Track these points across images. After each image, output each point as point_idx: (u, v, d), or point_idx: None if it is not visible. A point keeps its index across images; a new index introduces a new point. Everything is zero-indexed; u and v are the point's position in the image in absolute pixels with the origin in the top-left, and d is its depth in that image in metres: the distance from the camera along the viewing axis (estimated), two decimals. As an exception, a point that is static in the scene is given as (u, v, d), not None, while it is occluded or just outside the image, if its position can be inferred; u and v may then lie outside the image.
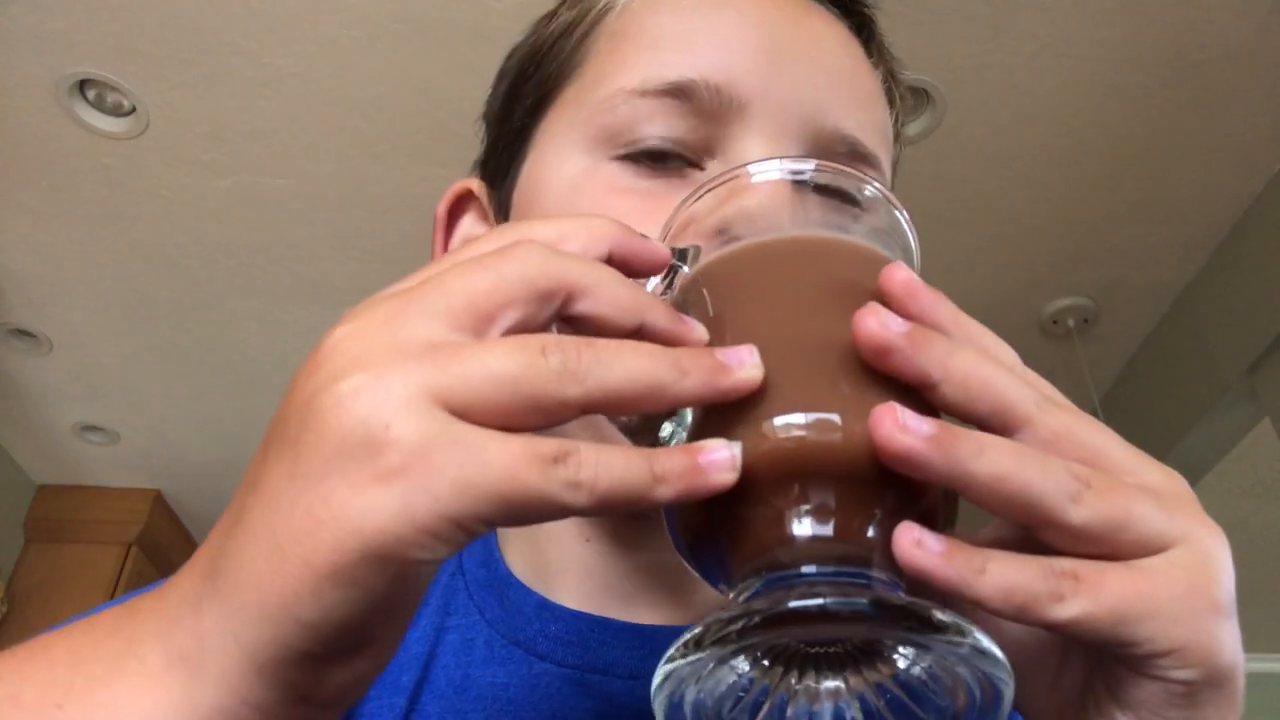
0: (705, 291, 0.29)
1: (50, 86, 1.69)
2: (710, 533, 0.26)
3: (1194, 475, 2.17)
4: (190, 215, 1.96)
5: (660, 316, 0.26)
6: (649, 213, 0.36)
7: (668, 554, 0.29)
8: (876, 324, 0.24)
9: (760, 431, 0.25)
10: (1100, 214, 1.93)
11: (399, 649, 0.27)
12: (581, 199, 0.38)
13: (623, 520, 0.40)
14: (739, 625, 0.22)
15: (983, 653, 0.22)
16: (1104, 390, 2.35)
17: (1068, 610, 0.22)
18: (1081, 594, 0.23)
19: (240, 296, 2.18)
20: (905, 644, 0.23)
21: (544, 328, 0.25)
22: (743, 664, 0.24)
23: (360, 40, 1.60)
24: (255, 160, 1.84)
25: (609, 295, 0.25)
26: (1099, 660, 0.26)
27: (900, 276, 0.27)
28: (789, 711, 0.25)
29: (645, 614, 0.40)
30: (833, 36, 0.41)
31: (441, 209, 0.46)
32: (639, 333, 0.26)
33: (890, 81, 0.45)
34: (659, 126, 0.38)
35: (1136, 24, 1.57)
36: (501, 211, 0.45)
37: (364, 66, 1.63)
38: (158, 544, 2.99)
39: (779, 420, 0.25)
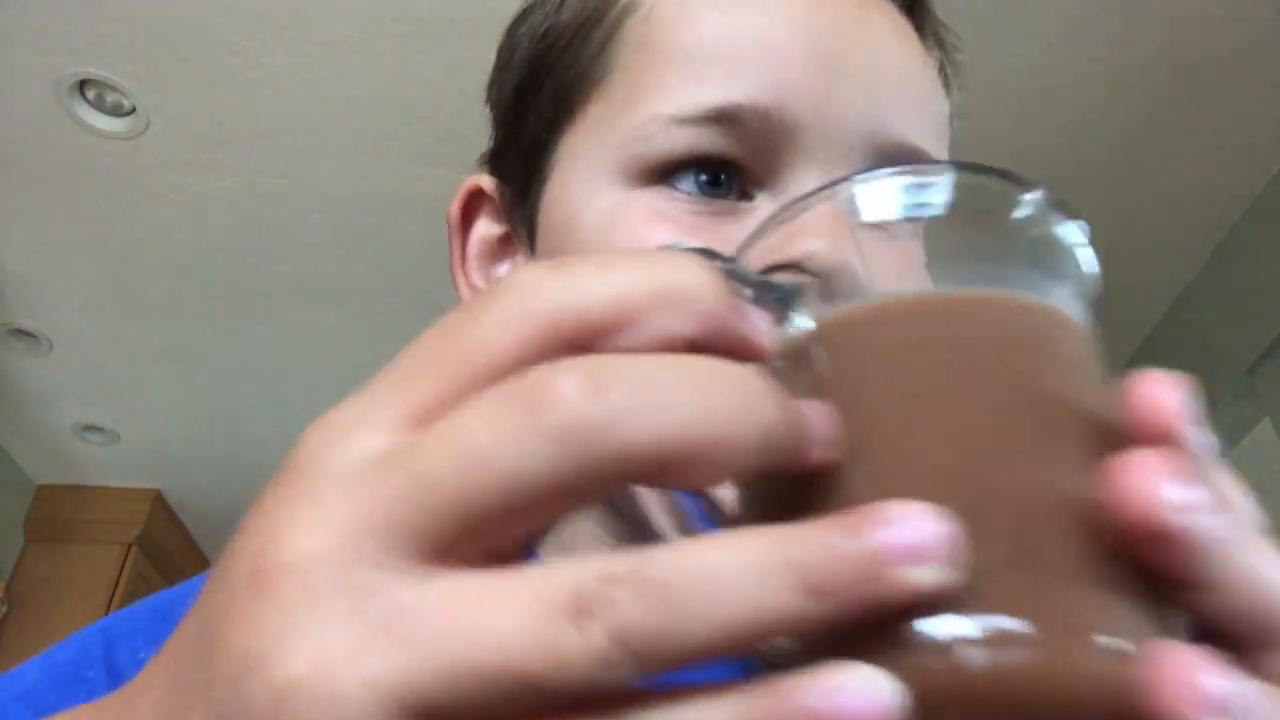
0: (825, 371, 0.19)
1: (50, 86, 1.69)
2: None
3: (1194, 475, 2.18)
4: (190, 215, 1.96)
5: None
6: (688, 234, 0.32)
7: None
8: (1150, 494, 0.16)
9: (931, 648, 0.15)
10: (1100, 214, 1.93)
11: None
12: (618, 234, 0.34)
13: None
14: None
15: None
16: (1104, 390, 2.35)
17: None
18: None
19: (240, 296, 2.18)
20: None
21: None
22: None
23: (360, 40, 1.60)
24: (255, 160, 1.84)
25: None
26: None
27: (1163, 402, 0.18)
28: None
29: None
30: (891, 30, 0.36)
31: (455, 210, 0.43)
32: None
33: (946, 64, 0.41)
34: (699, 150, 0.34)
35: (1136, 24, 1.57)
36: (525, 224, 0.41)
37: (364, 66, 1.63)
38: (158, 544, 2.99)
39: (970, 629, 0.15)
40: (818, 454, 0.17)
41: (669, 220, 0.33)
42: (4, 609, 2.65)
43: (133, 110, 1.74)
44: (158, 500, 2.95)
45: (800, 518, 0.15)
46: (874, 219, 0.21)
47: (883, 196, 0.21)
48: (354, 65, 1.64)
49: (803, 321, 0.20)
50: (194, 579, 0.40)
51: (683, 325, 0.17)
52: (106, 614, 2.29)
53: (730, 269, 0.19)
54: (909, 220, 0.21)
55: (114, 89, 1.69)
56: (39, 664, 0.36)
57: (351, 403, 0.19)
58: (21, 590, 2.73)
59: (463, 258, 0.42)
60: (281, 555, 0.16)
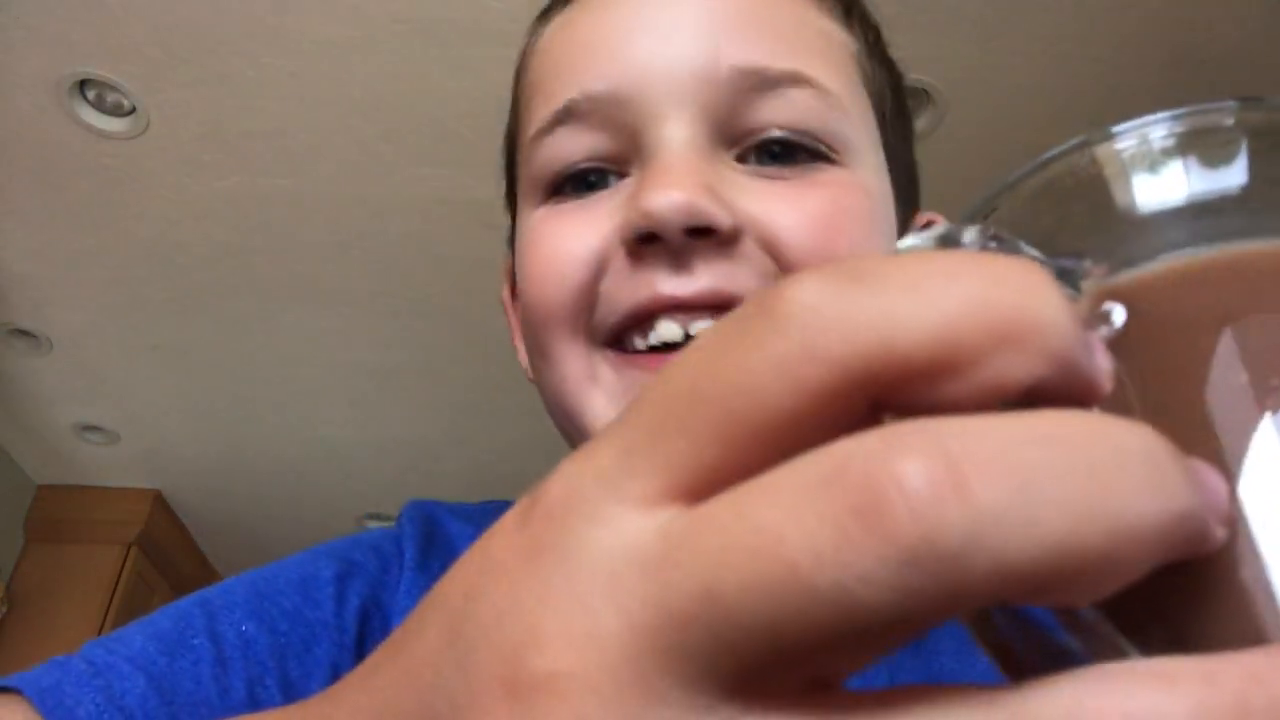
0: (1152, 388, 0.14)
1: (50, 86, 1.69)
2: None
3: (1194, 475, 2.18)
4: (190, 215, 1.96)
5: None
6: (586, 224, 0.34)
7: None
8: None
9: None
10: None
11: None
12: (535, 250, 0.36)
13: None
14: None
15: None
16: (1104, 390, 2.36)
17: None
18: None
19: (240, 296, 2.18)
20: None
21: None
22: None
23: (360, 40, 1.60)
24: (255, 160, 1.84)
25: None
26: None
27: None
28: None
29: None
30: None
31: (505, 294, 0.44)
32: None
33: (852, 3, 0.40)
34: (567, 151, 0.36)
35: (1136, 24, 1.57)
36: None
37: (364, 66, 1.63)
38: (158, 544, 2.99)
39: None
40: (1221, 535, 0.12)
41: (555, 218, 0.35)
42: (4, 609, 2.65)
43: (133, 110, 1.74)
44: (158, 500, 2.95)
45: (1183, 624, 0.12)
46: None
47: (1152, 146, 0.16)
48: (354, 65, 1.64)
49: (1116, 315, 0.14)
50: (287, 560, 0.41)
51: (1030, 368, 0.12)
52: (106, 614, 2.27)
53: (1008, 244, 0.15)
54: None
55: (114, 89, 1.69)
56: (141, 630, 0.36)
57: (597, 452, 0.14)
58: (21, 590, 2.73)
59: (517, 333, 0.43)
60: (544, 667, 0.13)
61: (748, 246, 0.32)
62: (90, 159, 1.83)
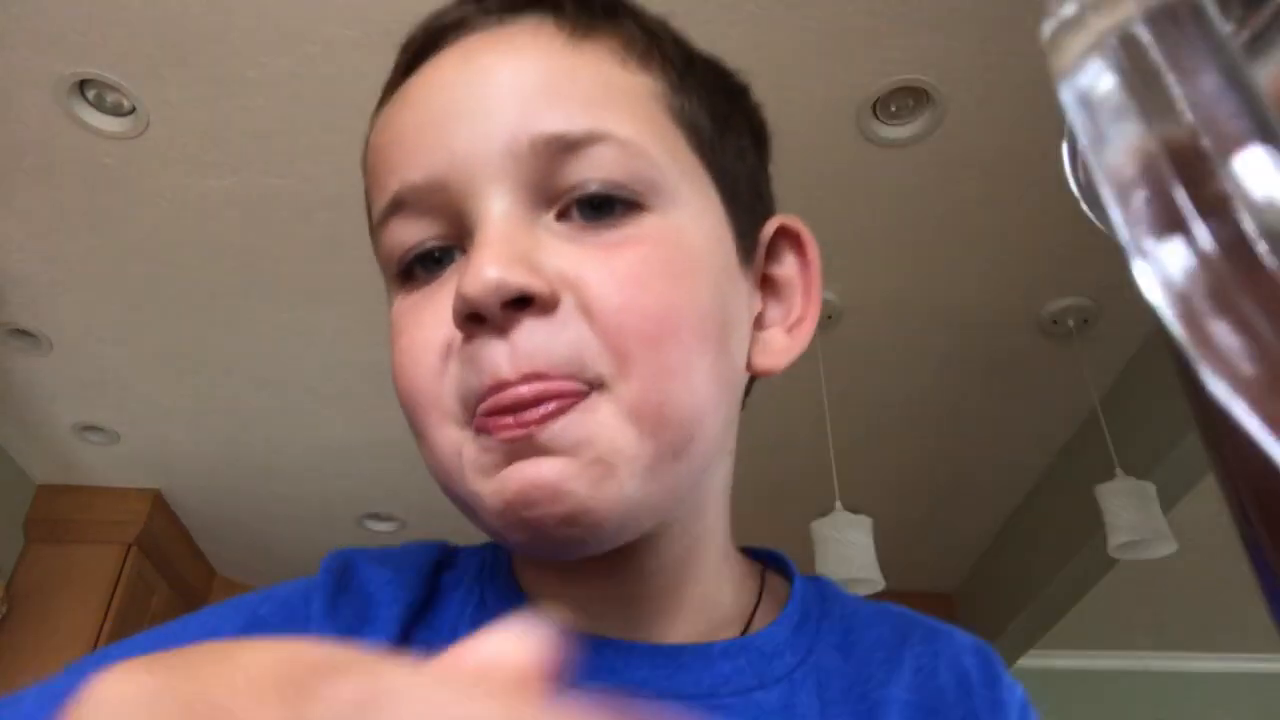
0: None
1: (50, 86, 1.69)
2: None
3: (1193, 476, 2.17)
4: (190, 215, 1.96)
5: None
6: (434, 311, 0.36)
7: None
8: None
9: None
10: (1100, 214, 1.93)
11: None
12: (397, 340, 0.38)
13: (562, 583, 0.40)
14: None
15: None
16: (1104, 390, 2.35)
17: None
18: None
19: (240, 296, 2.18)
20: None
21: None
22: None
23: (360, 40, 1.60)
24: (255, 160, 1.84)
25: None
26: None
27: None
28: None
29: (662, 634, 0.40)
30: (505, 57, 0.38)
31: None
32: None
33: (648, 46, 0.41)
34: (405, 238, 0.38)
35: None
36: None
37: (364, 66, 1.63)
38: (158, 544, 2.99)
39: None
40: None
41: (409, 311, 0.38)
42: (4, 609, 2.65)
43: (133, 110, 1.74)
44: (157, 500, 2.95)
45: None
46: None
47: None
48: (354, 65, 1.64)
49: None
50: (193, 615, 0.42)
51: None
52: (106, 614, 2.27)
53: None
54: None
55: (114, 89, 1.69)
56: (36, 691, 0.36)
57: None
58: (21, 590, 2.73)
59: None
60: None
61: (566, 309, 0.34)
62: (90, 159, 1.83)
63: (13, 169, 1.85)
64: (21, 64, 1.65)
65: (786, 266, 0.44)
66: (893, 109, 1.71)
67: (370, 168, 0.41)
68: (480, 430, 0.35)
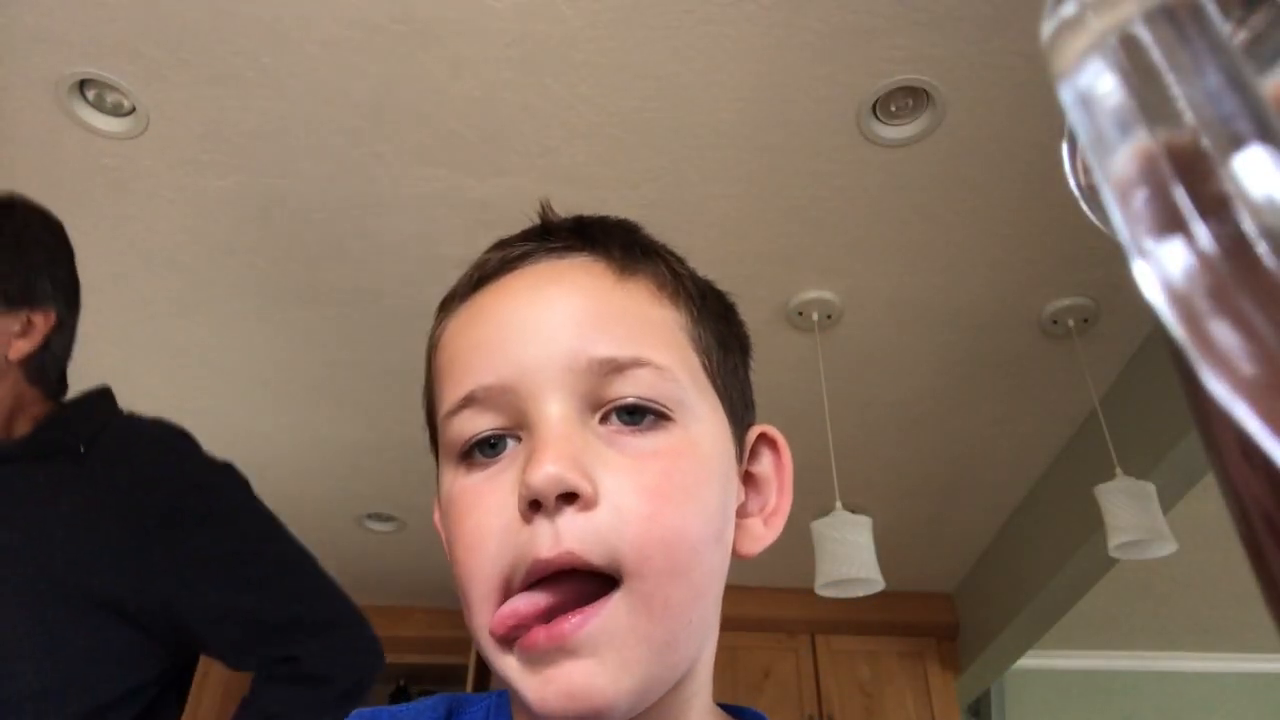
0: None
1: (50, 86, 1.69)
2: None
3: (1193, 476, 2.18)
4: (190, 215, 1.96)
5: None
6: (494, 495, 0.44)
7: None
8: None
9: None
10: (1100, 214, 1.93)
11: None
12: (456, 506, 0.46)
13: None
14: None
15: None
16: (1104, 390, 2.35)
17: None
18: None
19: (240, 296, 2.19)
20: None
21: None
22: None
23: (360, 40, 1.60)
24: (255, 160, 1.84)
25: None
26: None
27: None
28: None
29: None
30: (567, 291, 0.48)
31: (437, 518, 0.53)
32: None
33: (677, 286, 0.51)
34: (473, 427, 0.47)
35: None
36: None
37: (364, 66, 1.63)
38: (158, 544, 2.99)
39: None
40: None
41: (469, 492, 0.46)
42: (4, 609, 2.65)
43: (133, 110, 1.74)
44: (158, 500, 2.94)
45: None
46: None
47: None
48: (354, 65, 1.64)
49: None
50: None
51: None
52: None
53: None
54: None
55: (114, 89, 1.69)
56: None
57: None
58: (21, 590, 2.72)
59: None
60: None
61: (603, 509, 0.42)
62: (90, 159, 1.83)
63: (13, 169, 1.85)
64: (21, 64, 1.65)
65: (764, 465, 0.53)
66: (893, 109, 1.71)
67: (444, 365, 0.50)
68: (522, 648, 0.42)
